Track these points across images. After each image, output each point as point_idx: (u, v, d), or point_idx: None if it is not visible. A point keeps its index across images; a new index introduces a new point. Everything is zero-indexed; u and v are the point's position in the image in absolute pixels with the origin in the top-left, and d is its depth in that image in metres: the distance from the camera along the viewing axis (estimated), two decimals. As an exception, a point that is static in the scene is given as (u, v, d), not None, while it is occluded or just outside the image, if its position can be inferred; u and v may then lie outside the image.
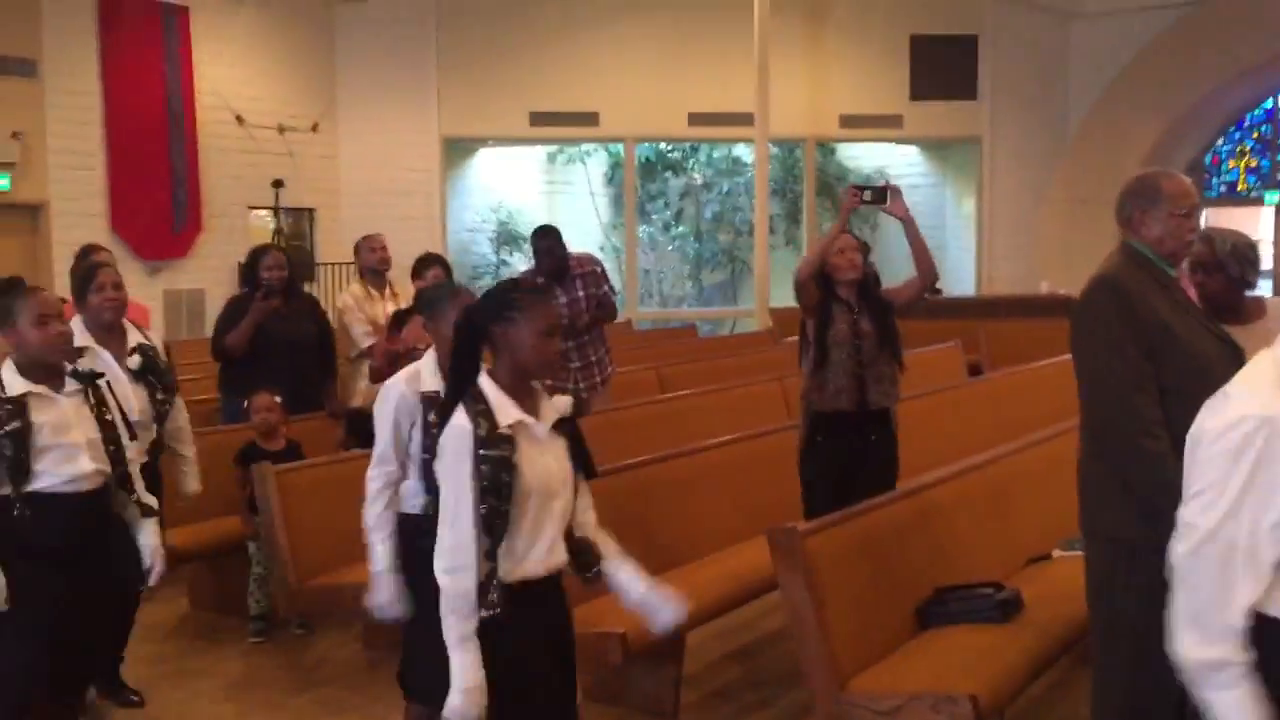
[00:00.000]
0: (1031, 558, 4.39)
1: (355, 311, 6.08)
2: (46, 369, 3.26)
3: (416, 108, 14.23)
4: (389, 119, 14.11)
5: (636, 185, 15.55)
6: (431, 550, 2.53)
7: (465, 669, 2.44)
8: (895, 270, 5.94)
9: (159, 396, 4.16)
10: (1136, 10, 14.52)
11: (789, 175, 15.99)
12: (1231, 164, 15.86)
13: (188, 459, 4.48)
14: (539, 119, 14.50)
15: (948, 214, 15.89)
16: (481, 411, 2.50)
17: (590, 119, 14.61)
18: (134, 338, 4.19)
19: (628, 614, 2.89)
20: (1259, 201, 15.62)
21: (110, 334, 4.12)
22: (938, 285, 8.21)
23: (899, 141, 15.68)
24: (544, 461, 2.55)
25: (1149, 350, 2.93)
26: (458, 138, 14.74)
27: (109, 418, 3.33)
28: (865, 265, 4.60)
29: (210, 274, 12.40)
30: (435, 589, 2.51)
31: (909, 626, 3.72)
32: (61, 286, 7.49)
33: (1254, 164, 15.80)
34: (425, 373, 3.45)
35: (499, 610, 2.45)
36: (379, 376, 5.53)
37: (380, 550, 3.39)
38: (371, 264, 6.24)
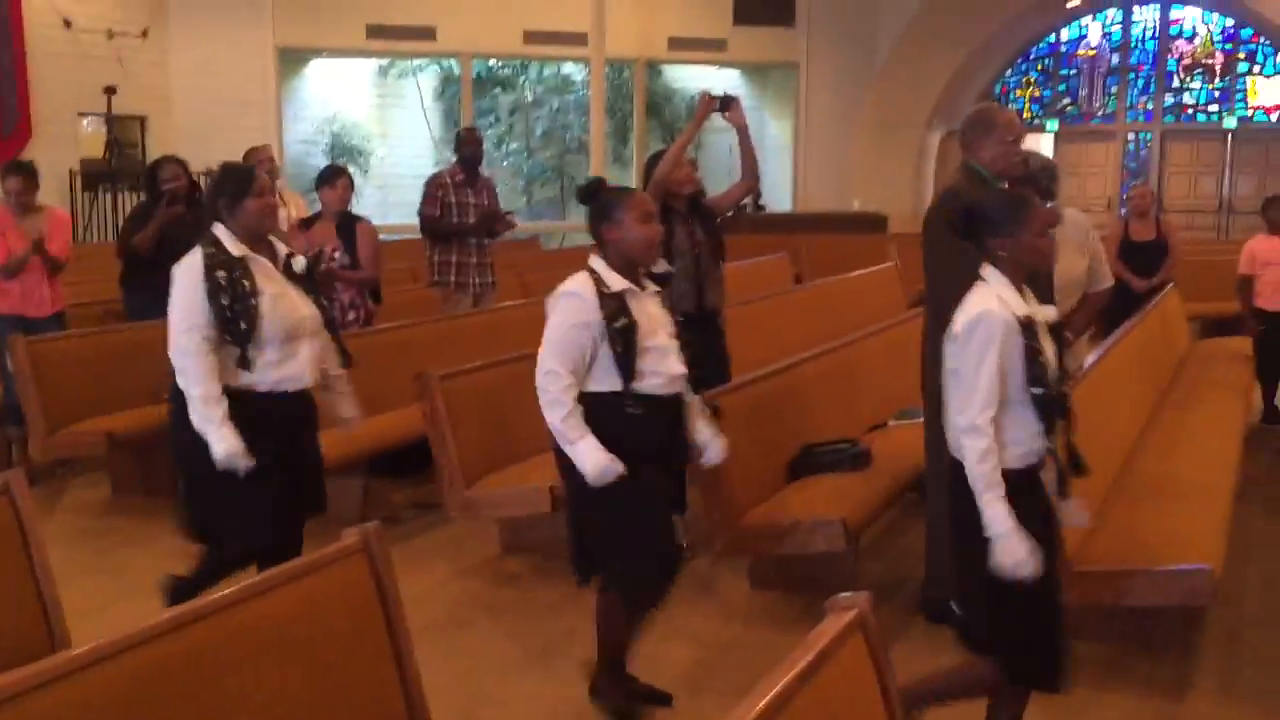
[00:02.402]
0: (872, 425, 5.31)
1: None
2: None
3: (250, 17, 14.14)
4: (221, 28, 13.98)
5: (474, 102, 15.86)
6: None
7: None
8: (713, 184, 6.66)
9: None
10: (940, -53, 15.76)
11: (618, 95, 16.60)
12: (1018, 93, 17.36)
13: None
14: (375, 32, 14.62)
15: (766, 135, 16.89)
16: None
17: (427, 33, 14.84)
18: (281, 246, 3.70)
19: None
20: (1040, 129, 17.18)
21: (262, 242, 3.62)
22: (760, 201, 8.95)
23: (722, 65, 16.50)
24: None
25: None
26: (292, 48, 14.71)
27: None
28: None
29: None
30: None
31: (784, 476, 4.55)
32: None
33: (1038, 94, 17.33)
34: (604, 275, 3.32)
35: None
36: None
37: None
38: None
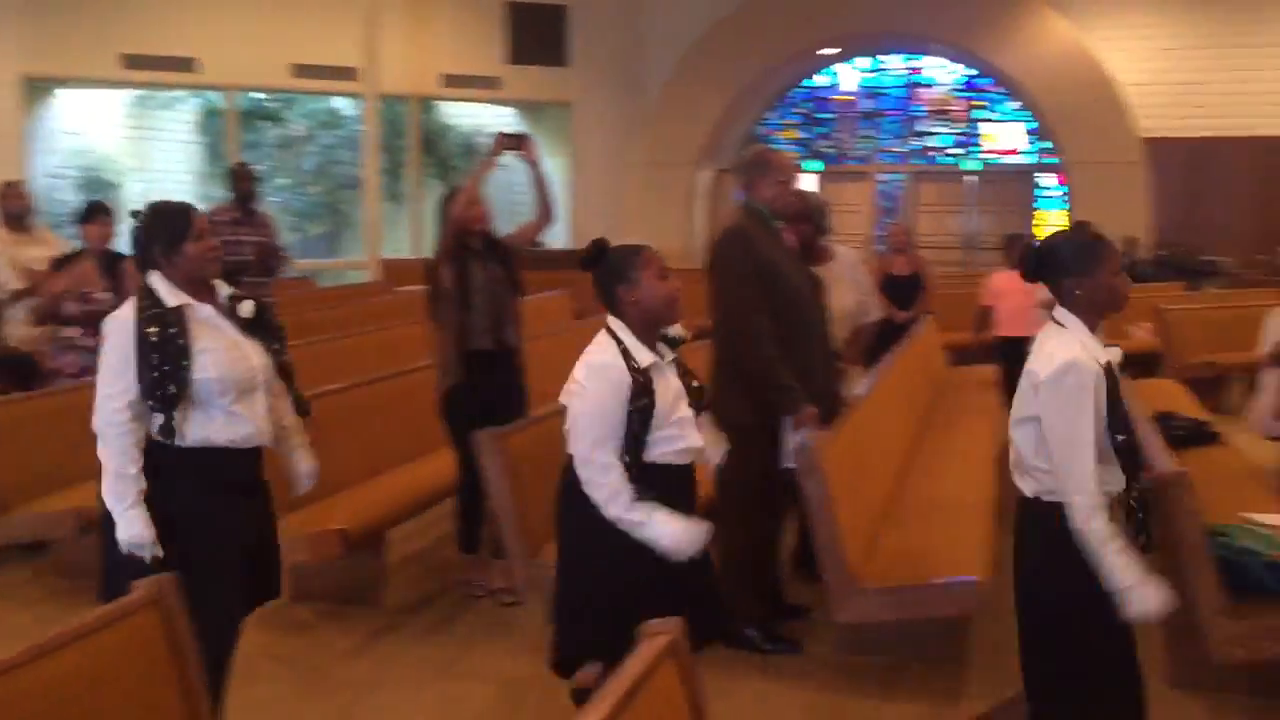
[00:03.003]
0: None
1: (2, 255, 6.09)
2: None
3: (-10, 42, 13.22)
4: (-43, 53, 13.02)
5: (240, 136, 15.32)
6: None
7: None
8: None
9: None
10: (703, -7, 16.44)
11: (391, 130, 16.40)
12: (781, 135, 18.17)
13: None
14: (132, 62, 13.94)
15: (542, 172, 17.03)
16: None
17: (188, 64, 14.25)
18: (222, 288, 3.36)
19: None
20: (800, 169, 18.03)
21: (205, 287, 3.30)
22: (536, 239, 8.99)
23: (497, 102, 16.57)
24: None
25: (764, 282, 3.98)
26: (39, 77, 13.83)
27: None
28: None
29: None
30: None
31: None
32: None
33: (797, 136, 18.19)
34: (630, 346, 3.08)
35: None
36: (44, 316, 5.65)
37: None
38: (16, 210, 6.27)
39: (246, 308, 3.21)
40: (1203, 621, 3.58)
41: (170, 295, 3.08)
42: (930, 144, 17.54)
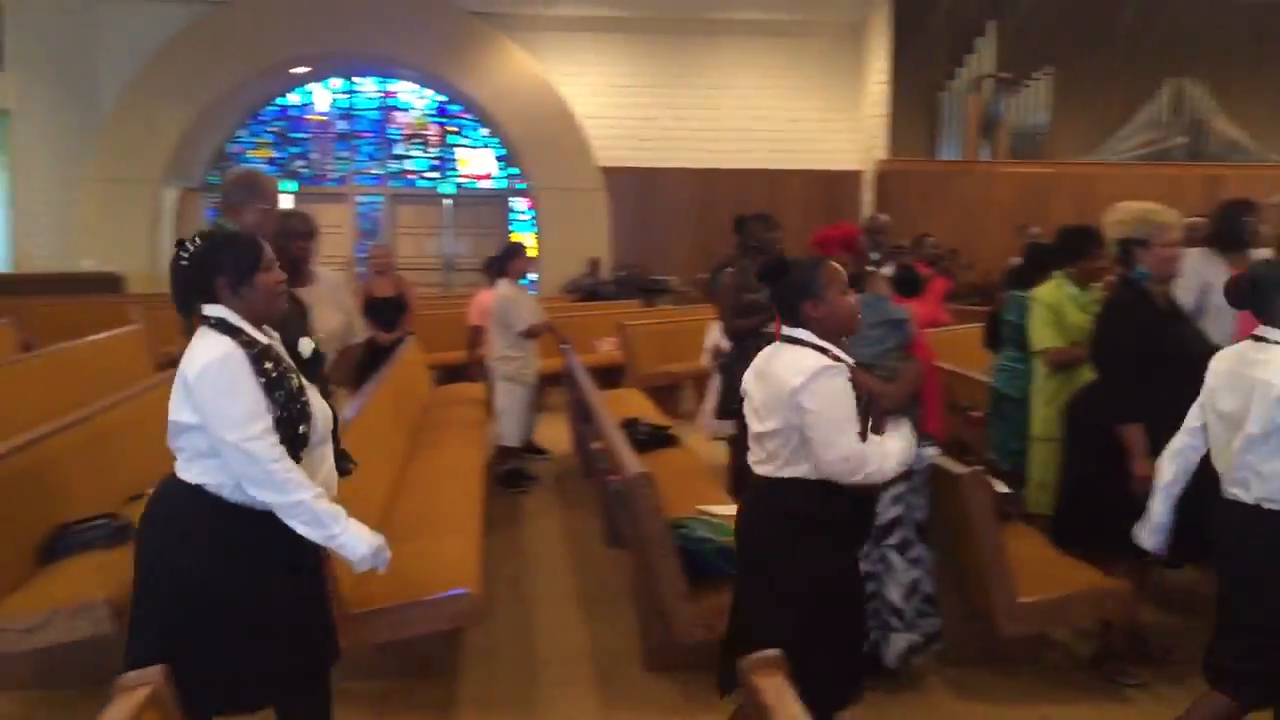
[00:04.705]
0: (132, 495, 5.03)
1: None
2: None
3: None
4: None
5: None
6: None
7: None
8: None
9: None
10: (160, 1, 15.40)
11: None
12: (253, 153, 17.52)
13: None
14: None
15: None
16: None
17: None
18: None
19: None
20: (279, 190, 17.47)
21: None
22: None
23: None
24: None
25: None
26: None
27: None
28: None
29: None
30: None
31: (33, 561, 4.14)
32: None
33: (271, 155, 17.65)
34: (832, 350, 3.10)
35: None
36: None
37: None
38: None
39: (306, 346, 3.05)
40: (668, 607, 3.96)
41: (254, 331, 2.81)
42: (408, 167, 17.78)
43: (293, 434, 2.76)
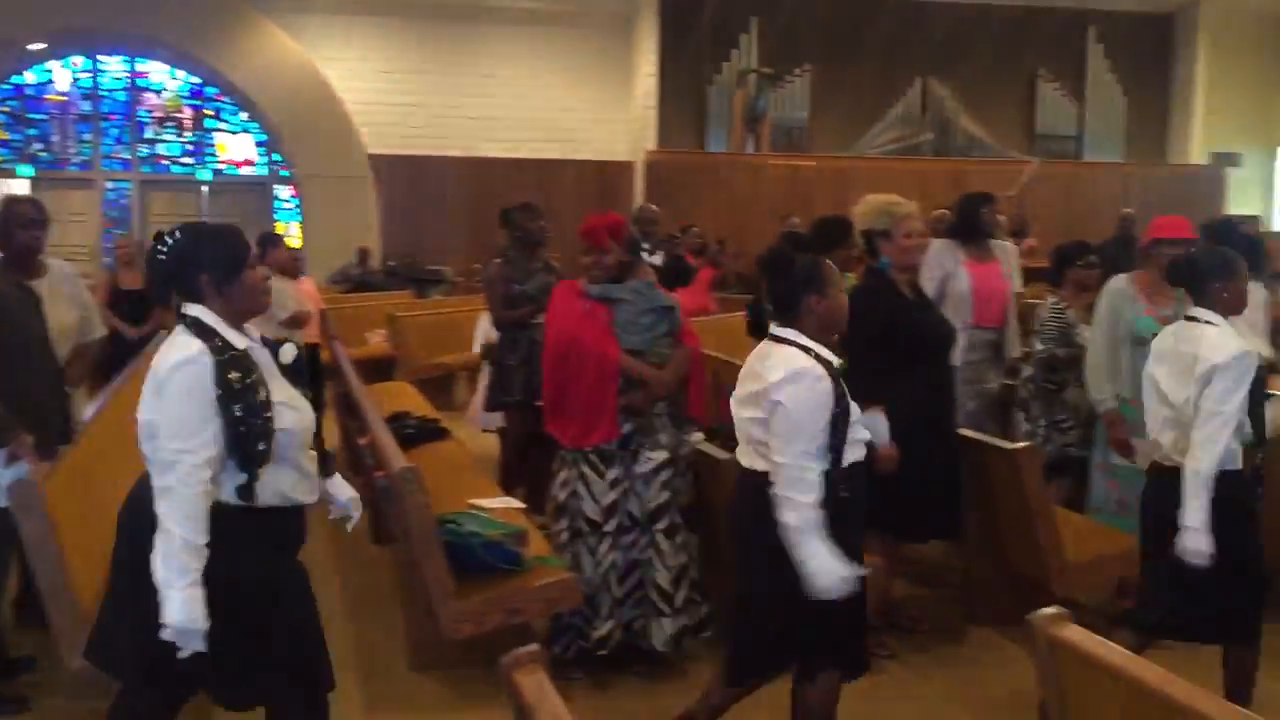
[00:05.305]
0: None
1: None
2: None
3: None
4: None
5: None
6: None
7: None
8: None
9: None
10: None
11: None
12: (-15, 137, 16.20)
13: None
14: None
15: None
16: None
17: None
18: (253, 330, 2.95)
19: None
20: (11, 174, 16.23)
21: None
22: None
23: None
24: None
25: None
26: None
27: None
28: None
29: None
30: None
31: None
32: None
33: (6, 137, 16.36)
34: (820, 351, 3.09)
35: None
36: None
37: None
38: None
39: (288, 353, 2.89)
40: (434, 604, 3.89)
41: (232, 335, 2.69)
42: (160, 152, 16.82)
43: (250, 449, 2.64)
